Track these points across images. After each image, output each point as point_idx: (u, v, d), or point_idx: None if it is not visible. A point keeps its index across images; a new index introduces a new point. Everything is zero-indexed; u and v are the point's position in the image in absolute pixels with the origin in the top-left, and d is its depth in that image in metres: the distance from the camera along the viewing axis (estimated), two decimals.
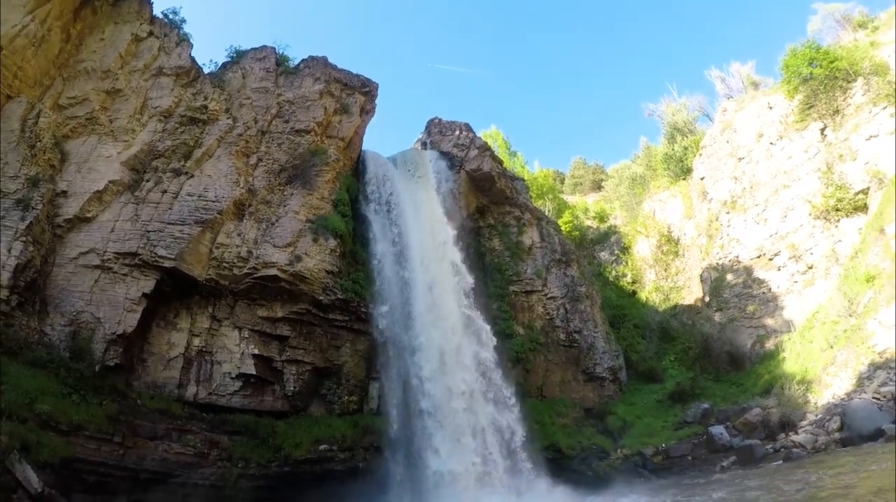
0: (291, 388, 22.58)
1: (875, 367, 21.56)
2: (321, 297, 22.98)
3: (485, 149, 32.63)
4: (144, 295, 20.46)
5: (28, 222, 19.23)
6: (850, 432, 19.57)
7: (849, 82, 31.63)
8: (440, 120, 33.51)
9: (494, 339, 25.24)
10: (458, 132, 32.53)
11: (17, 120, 20.82)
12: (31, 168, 20.35)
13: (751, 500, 14.31)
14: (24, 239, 18.97)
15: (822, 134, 32.13)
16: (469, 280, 26.13)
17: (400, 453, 21.95)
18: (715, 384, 30.58)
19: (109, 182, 21.50)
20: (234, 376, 21.79)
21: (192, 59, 24.92)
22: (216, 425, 20.79)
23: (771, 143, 34.74)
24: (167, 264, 20.64)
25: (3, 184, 19.70)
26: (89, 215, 21.07)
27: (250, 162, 23.79)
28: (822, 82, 32.32)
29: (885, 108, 28.88)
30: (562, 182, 60.71)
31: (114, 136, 22.59)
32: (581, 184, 61.30)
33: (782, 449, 21.30)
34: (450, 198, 29.84)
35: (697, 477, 21.83)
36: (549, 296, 31.63)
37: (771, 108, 35.77)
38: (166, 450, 18.97)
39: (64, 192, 21.05)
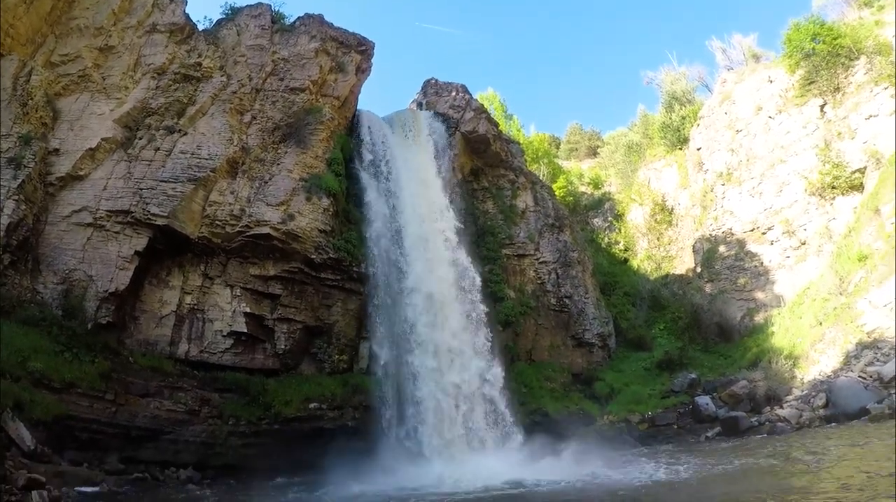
0: (282, 347, 22.61)
1: (863, 347, 21.82)
2: (313, 256, 22.88)
3: (481, 111, 32.31)
4: (137, 253, 20.37)
5: (20, 181, 19.07)
6: (835, 410, 19.90)
7: (851, 60, 31.39)
8: (436, 81, 33.05)
9: (483, 306, 25.23)
10: (454, 93, 32.12)
11: (8, 78, 20.49)
12: (23, 126, 20.09)
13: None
14: (16, 197, 18.82)
15: (821, 110, 31.99)
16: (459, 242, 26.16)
17: (389, 412, 22.10)
18: (703, 354, 30.91)
19: (102, 139, 21.22)
20: (225, 334, 21.79)
21: (187, 16, 24.32)
22: (207, 383, 20.89)
23: (770, 117, 34.56)
24: (160, 222, 20.51)
25: None
26: (82, 173, 20.83)
27: (244, 120, 23.47)
28: (825, 58, 32.02)
29: (886, 89, 28.70)
30: (557, 147, 60.16)
31: (106, 94, 22.23)
32: (577, 149, 60.88)
33: (767, 423, 21.65)
34: (444, 160, 29.59)
35: (683, 446, 22.13)
36: (541, 260, 31.67)
37: (771, 81, 35.51)
38: (158, 408, 19.07)
39: (56, 150, 20.81)
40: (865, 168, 28.44)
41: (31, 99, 20.66)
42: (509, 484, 15.59)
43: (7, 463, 13.21)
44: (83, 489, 14.66)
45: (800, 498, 9.45)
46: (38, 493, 12.83)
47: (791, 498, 9.61)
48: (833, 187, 29.71)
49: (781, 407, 22.16)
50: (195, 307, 21.75)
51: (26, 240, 19.14)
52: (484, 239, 30.89)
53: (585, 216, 46.40)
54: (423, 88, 33.30)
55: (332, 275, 23.80)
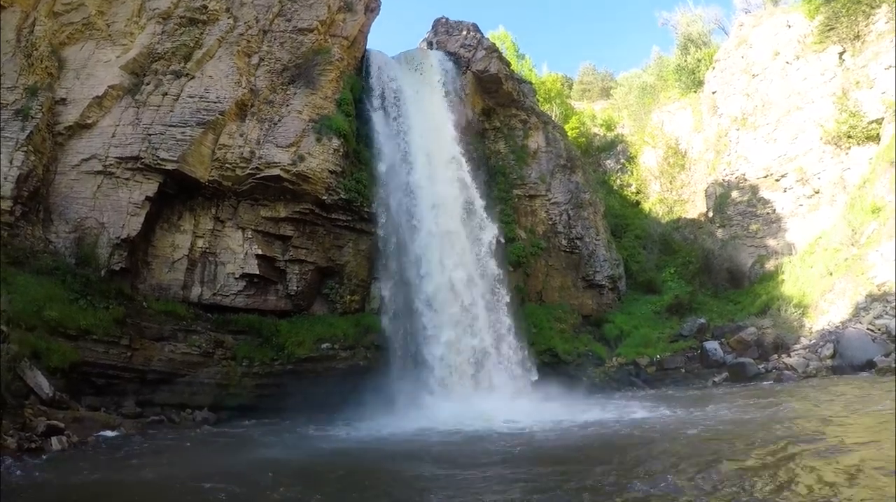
0: (294, 288, 22.81)
1: (872, 299, 21.88)
2: (324, 197, 22.84)
3: (492, 50, 31.70)
4: (147, 198, 20.33)
5: (28, 132, 18.96)
6: (842, 361, 20.11)
7: (873, 8, 30.35)
8: (447, 20, 32.39)
9: (494, 243, 25.32)
10: (465, 32, 31.49)
11: (11, 30, 20.16)
12: (28, 77, 19.87)
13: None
14: (25, 149, 18.75)
15: (840, 58, 31.23)
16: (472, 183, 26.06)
17: (400, 351, 22.41)
18: (712, 300, 31.03)
19: (109, 87, 20.94)
20: (237, 276, 21.93)
21: None
22: (220, 325, 21.18)
23: (787, 63, 33.81)
24: (169, 167, 20.40)
25: (1, 95, 19.29)
26: (90, 121, 20.64)
27: (252, 62, 23.09)
28: (845, 5, 31.03)
29: None
30: (570, 88, 58.82)
31: (112, 41, 21.81)
32: (589, 90, 59.58)
33: (774, 370, 21.92)
34: (455, 100, 29.23)
35: (689, 390, 22.43)
36: (552, 201, 31.53)
37: (790, 26, 34.58)
38: (172, 351, 19.37)
39: (63, 100, 20.59)
40: (882, 119, 27.88)
41: (36, 50, 20.37)
42: (512, 425, 15.88)
43: (27, 411, 13.61)
44: (103, 433, 15.09)
45: None
46: (57, 439, 13.31)
47: None
48: (849, 136, 29.20)
49: (789, 356, 22.39)
50: (207, 250, 21.86)
51: (37, 190, 19.16)
52: (495, 179, 30.72)
53: (598, 158, 45.85)
54: (433, 27, 32.69)
55: (343, 216, 23.81)
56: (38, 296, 16.81)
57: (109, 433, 15.33)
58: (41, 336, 16.05)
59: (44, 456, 12.24)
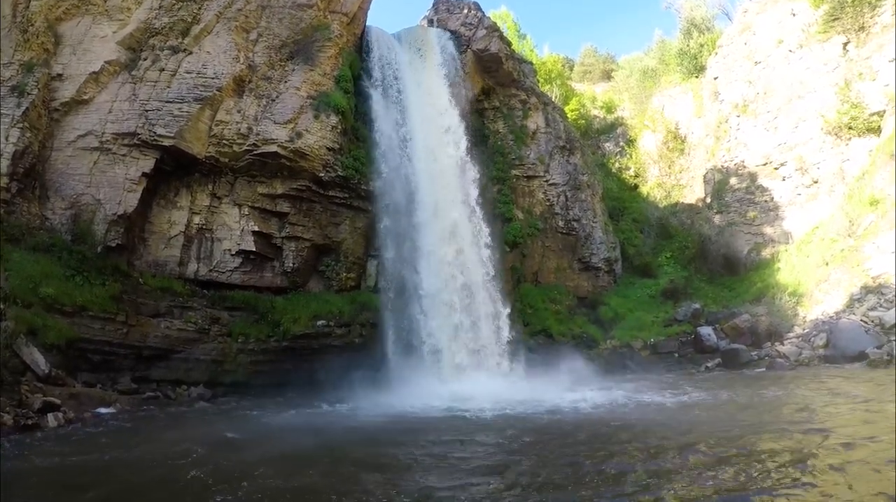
0: (290, 265, 22.83)
1: (867, 291, 21.94)
2: (321, 174, 22.78)
3: (493, 29, 31.46)
4: (144, 174, 20.28)
5: (24, 108, 18.86)
6: (835, 351, 20.20)
7: None
8: None
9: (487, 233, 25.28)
10: (466, 11, 31.24)
11: (7, 5, 19.96)
12: (24, 53, 19.73)
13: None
14: (21, 125, 18.66)
15: (843, 49, 30.91)
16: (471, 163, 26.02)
17: (395, 329, 22.47)
18: (708, 285, 31.17)
19: (106, 62, 20.79)
20: (234, 253, 21.95)
21: None
22: (216, 302, 21.22)
23: (790, 51, 33.52)
24: (166, 143, 20.31)
25: None
26: (86, 97, 20.51)
27: (250, 37, 22.88)
28: None
29: None
30: (571, 69, 58.44)
31: (108, 16, 21.57)
32: (590, 72, 59.23)
33: (766, 358, 22.07)
34: (455, 78, 29.02)
35: (682, 375, 22.56)
36: (550, 182, 31.52)
37: (794, 14, 34.21)
38: (168, 327, 19.43)
39: (59, 76, 20.45)
40: (884, 111, 27.73)
41: (32, 25, 20.15)
42: (504, 404, 15.92)
43: (23, 388, 13.68)
44: (99, 410, 15.18)
45: None
46: (53, 415, 13.40)
47: None
48: (850, 128, 29.02)
49: (782, 344, 22.56)
50: (203, 227, 21.84)
51: (33, 167, 19.08)
52: (493, 159, 30.64)
53: (597, 140, 45.75)
54: (434, 5, 32.41)
55: (340, 194, 23.78)
56: (34, 272, 16.82)
57: (105, 409, 15.45)
58: (37, 312, 16.08)
59: (40, 433, 12.32)
